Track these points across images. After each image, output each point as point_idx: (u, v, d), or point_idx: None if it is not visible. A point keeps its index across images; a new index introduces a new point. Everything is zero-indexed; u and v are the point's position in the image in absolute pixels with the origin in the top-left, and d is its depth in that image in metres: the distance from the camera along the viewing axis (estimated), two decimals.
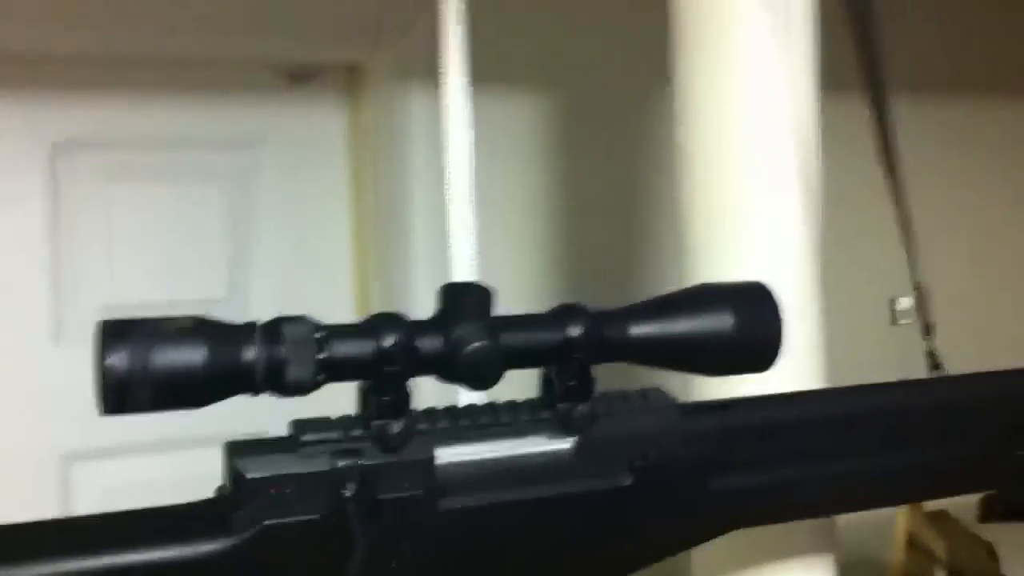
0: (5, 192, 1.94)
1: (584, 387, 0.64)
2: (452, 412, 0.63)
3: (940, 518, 1.73)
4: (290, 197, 2.13)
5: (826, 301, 1.05)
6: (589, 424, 0.65)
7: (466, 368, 0.59)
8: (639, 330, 0.64)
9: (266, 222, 2.12)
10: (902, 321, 1.29)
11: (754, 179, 1.03)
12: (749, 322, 0.65)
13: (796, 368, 0.92)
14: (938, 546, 1.71)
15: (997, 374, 0.83)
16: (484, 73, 1.18)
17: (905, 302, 1.36)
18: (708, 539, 0.71)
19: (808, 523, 1.00)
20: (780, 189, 1.02)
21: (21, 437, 1.94)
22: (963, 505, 0.98)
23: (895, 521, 1.81)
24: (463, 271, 1.15)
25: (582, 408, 0.64)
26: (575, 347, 0.62)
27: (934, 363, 1.43)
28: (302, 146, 2.14)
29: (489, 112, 1.26)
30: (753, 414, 0.74)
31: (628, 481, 0.66)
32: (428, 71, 1.29)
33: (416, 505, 0.60)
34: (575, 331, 0.62)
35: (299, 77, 2.13)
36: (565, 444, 0.65)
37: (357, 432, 0.59)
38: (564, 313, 0.62)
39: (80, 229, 1.99)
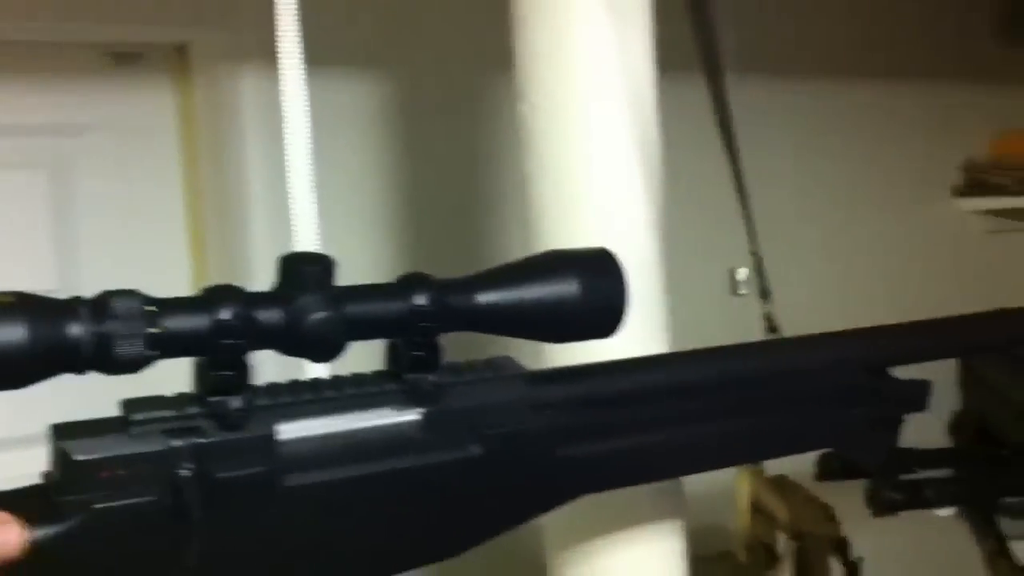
0: None
1: (431, 357, 0.63)
2: (295, 386, 0.61)
3: (781, 483, 1.78)
4: (119, 182, 2.04)
5: (669, 272, 1.06)
6: (437, 395, 0.63)
7: (308, 340, 0.57)
8: (485, 298, 0.63)
9: (94, 208, 2.03)
10: (742, 291, 1.32)
11: (593, 151, 1.04)
12: (594, 288, 0.65)
13: (640, 335, 0.93)
14: (780, 510, 1.76)
15: (832, 336, 0.86)
16: (321, 53, 1.14)
17: (744, 273, 1.39)
18: (558, 505, 0.71)
19: (657, 490, 1.01)
20: (619, 160, 1.03)
21: None
22: (801, 465, 1.02)
23: (738, 488, 1.86)
24: (304, 247, 1.12)
25: (430, 379, 0.63)
26: (421, 316, 0.60)
27: (771, 327, 1.47)
28: (129, 129, 2.05)
29: (327, 90, 1.23)
30: (600, 381, 0.74)
31: (477, 451, 0.65)
32: (259, 50, 1.25)
33: (258, 483, 0.57)
34: (421, 300, 0.60)
35: (124, 59, 2.04)
36: (413, 416, 0.63)
37: (193, 410, 0.56)
38: (409, 282, 0.61)
39: None
